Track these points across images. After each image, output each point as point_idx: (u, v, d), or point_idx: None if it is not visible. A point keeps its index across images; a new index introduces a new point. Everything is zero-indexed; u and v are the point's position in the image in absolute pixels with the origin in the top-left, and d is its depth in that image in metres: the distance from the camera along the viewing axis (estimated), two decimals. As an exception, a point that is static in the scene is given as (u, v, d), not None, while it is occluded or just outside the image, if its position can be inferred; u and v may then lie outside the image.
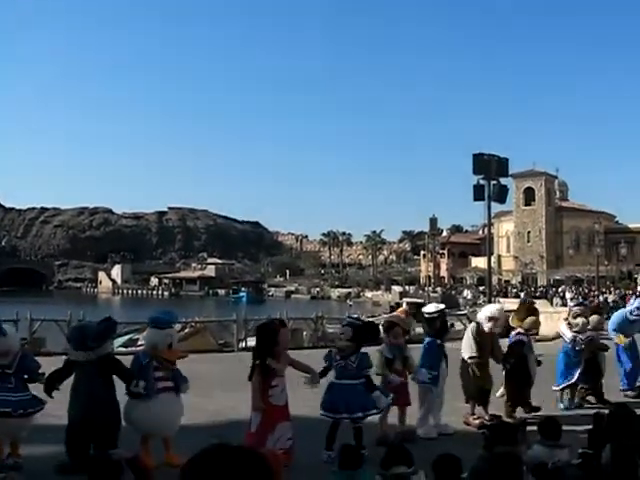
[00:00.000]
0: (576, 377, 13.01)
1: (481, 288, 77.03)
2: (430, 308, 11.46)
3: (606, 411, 7.27)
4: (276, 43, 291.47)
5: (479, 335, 11.37)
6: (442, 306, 11.83)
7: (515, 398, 11.80)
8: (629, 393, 13.82)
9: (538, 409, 11.46)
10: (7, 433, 8.27)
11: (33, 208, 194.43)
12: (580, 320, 13.31)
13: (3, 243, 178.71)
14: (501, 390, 11.89)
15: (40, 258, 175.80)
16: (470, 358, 11.30)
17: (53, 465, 7.96)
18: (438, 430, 10.54)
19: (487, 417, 10.87)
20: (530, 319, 12.29)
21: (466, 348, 11.42)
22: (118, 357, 8.86)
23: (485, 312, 11.94)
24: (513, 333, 12.34)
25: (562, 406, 12.73)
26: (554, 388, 13.01)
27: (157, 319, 8.75)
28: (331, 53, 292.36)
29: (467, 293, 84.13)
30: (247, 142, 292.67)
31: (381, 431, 9.72)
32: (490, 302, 29.31)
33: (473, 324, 11.94)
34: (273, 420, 8.37)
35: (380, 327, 10.47)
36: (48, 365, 8.84)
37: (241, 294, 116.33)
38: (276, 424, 8.36)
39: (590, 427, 6.99)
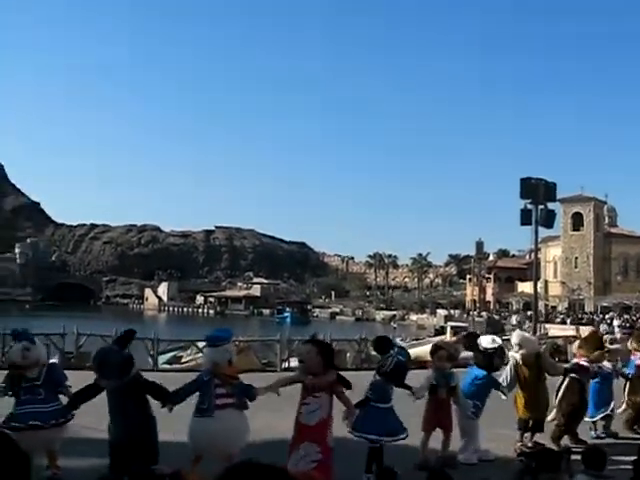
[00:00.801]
0: (611, 407, 12.85)
1: (529, 313, 76.13)
2: (488, 342, 11.34)
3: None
4: (320, 54, 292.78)
5: (518, 367, 11.38)
6: (499, 341, 11.65)
7: (567, 425, 11.69)
8: None
9: (584, 442, 11.27)
10: (41, 445, 8.34)
11: (83, 224, 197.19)
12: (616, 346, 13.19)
13: (53, 258, 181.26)
14: (552, 414, 11.78)
15: (89, 274, 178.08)
16: (502, 387, 11.29)
17: (95, 478, 8.01)
18: (478, 456, 10.47)
19: (529, 444, 10.76)
20: (599, 352, 12.22)
21: (503, 377, 11.43)
22: (163, 373, 8.91)
23: (514, 340, 11.92)
24: (577, 360, 12.27)
25: (594, 434, 12.54)
26: (587, 419, 12.79)
27: (214, 337, 8.74)
28: (381, 73, 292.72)
29: (514, 318, 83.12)
30: (296, 164, 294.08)
31: (422, 455, 9.69)
32: (535, 328, 29.00)
33: (512, 358, 11.79)
34: (300, 438, 8.34)
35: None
36: (89, 378, 8.92)
37: (285, 314, 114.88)
38: (301, 443, 8.30)
39: (635, 458, 6.86)
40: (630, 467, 6.64)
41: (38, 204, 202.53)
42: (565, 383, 11.99)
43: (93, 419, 9.86)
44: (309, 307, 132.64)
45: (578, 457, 6.85)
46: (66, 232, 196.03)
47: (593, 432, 12.61)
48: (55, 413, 8.40)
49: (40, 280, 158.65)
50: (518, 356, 11.47)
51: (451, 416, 10.19)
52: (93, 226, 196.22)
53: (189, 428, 8.34)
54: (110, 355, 8.53)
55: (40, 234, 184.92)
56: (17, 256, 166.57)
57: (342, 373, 9.29)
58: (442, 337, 40.79)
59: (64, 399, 8.71)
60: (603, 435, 12.60)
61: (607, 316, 74.70)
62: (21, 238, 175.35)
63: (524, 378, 11.40)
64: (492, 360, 10.91)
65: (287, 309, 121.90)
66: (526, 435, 11.30)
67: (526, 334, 14.07)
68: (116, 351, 8.44)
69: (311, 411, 8.37)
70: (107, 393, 8.34)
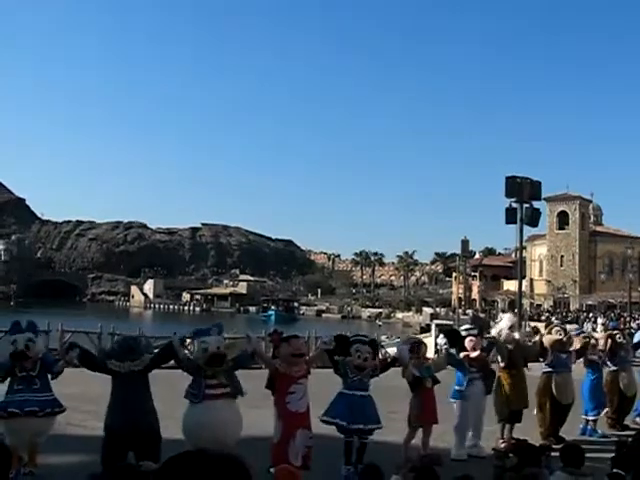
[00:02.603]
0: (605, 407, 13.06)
1: (515, 311, 76.34)
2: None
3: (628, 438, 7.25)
4: (304, 52, 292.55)
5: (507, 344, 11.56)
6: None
7: (552, 420, 11.93)
8: (638, 420, 13.75)
9: (563, 439, 11.39)
10: (31, 434, 8.38)
11: (69, 221, 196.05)
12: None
13: (39, 255, 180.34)
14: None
15: (74, 271, 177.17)
16: (503, 368, 11.50)
17: (86, 475, 8.01)
18: (472, 452, 10.58)
19: (510, 442, 10.87)
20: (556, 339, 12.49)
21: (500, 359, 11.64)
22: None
23: (505, 323, 12.08)
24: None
25: (600, 433, 12.68)
26: (589, 418, 12.92)
27: (199, 329, 8.87)
28: (373, 73, 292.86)
29: (500, 317, 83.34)
30: (280, 160, 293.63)
31: (405, 454, 9.76)
32: (520, 325, 29.16)
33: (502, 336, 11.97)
34: (293, 426, 8.50)
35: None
36: (74, 375, 8.97)
37: (270, 312, 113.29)
38: (296, 431, 8.48)
39: (613, 454, 6.96)
40: (607, 464, 6.76)
41: (23, 200, 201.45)
42: (541, 379, 12.22)
43: (81, 416, 9.90)
44: (295, 304, 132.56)
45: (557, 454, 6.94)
46: (51, 229, 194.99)
47: (599, 431, 12.74)
48: (48, 403, 8.49)
49: (25, 277, 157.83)
50: (516, 335, 11.70)
51: (436, 410, 10.27)
52: (79, 223, 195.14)
53: (182, 418, 8.41)
54: (132, 341, 8.90)
55: (25, 230, 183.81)
56: (2, 253, 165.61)
57: (327, 370, 9.42)
58: (427, 334, 40.97)
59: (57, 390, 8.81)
60: (598, 433, 12.73)
61: (591, 314, 74.98)
62: (6, 234, 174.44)
63: (512, 364, 11.60)
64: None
65: (272, 307, 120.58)
66: (506, 429, 11.45)
67: (510, 314, 14.35)
68: (136, 337, 8.78)
69: (299, 398, 8.60)
70: (118, 382, 8.37)
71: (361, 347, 9.44)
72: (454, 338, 11.53)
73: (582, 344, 13.04)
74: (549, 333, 12.59)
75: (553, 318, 71.44)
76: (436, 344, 28.73)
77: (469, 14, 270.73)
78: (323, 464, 8.79)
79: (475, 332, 11.31)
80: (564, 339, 12.43)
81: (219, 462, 2.26)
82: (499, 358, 11.70)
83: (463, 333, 11.51)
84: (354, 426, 9.05)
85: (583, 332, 14.36)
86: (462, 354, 11.00)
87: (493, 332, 12.49)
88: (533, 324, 24.33)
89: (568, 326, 19.07)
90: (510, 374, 11.60)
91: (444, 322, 59.99)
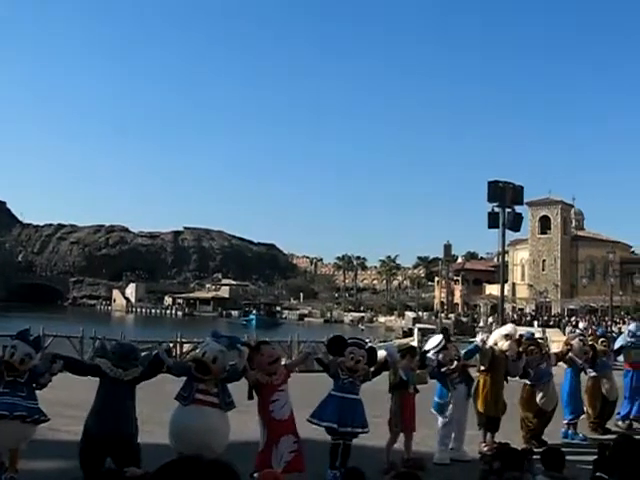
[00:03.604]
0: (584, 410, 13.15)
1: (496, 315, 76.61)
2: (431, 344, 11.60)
3: (610, 441, 7.27)
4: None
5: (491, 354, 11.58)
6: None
7: (536, 426, 12.00)
8: (620, 424, 13.85)
9: (545, 443, 11.44)
10: (15, 439, 8.33)
11: (50, 224, 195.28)
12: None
13: (19, 258, 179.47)
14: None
15: (55, 274, 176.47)
16: (480, 371, 11.54)
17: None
18: (454, 456, 10.61)
19: (493, 446, 10.90)
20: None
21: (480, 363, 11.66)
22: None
23: (501, 331, 12.13)
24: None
25: (582, 436, 12.76)
26: (565, 421, 13.00)
27: (215, 332, 9.08)
28: (358, 77, 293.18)
29: (489, 320, 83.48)
30: (263, 163, 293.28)
31: (388, 458, 9.77)
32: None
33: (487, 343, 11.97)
34: (277, 434, 8.50)
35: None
36: (56, 381, 8.91)
37: (251, 317, 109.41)
38: (280, 438, 8.48)
39: (595, 457, 6.99)
40: (590, 467, 6.78)
41: (4, 203, 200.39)
42: (524, 389, 12.31)
43: (63, 420, 9.83)
44: (278, 309, 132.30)
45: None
46: (32, 232, 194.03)
47: (580, 434, 12.81)
48: (36, 410, 8.45)
49: (6, 280, 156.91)
50: (505, 345, 11.69)
51: (415, 417, 10.29)
52: (60, 226, 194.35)
53: (170, 419, 8.39)
54: (132, 349, 8.90)
55: (6, 234, 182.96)
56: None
57: (310, 375, 9.43)
58: (410, 339, 41.07)
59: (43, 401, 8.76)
60: (579, 436, 12.80)
61: (572, 318, 75.36)
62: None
63: (493, 370, 11.62)
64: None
65: (253, 311, 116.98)
66: (488, 434, 11.48)
67: (513, 325, 14.38)
68: (136, 347, 8.78)
69: (282, 405, 8.60)
70: (105, 386, 8.33)
71: (356, 350, 9.45)
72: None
73: (563, 349, 13.11)
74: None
75: (535, 322, 71.96)
76: (420, 348, 28.74)
77: (457, 17, 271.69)
78: (308, 468, 8.78)
79: (441, 346, 11.20)
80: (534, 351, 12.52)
81: (213, 468, 2.28)
82: (479, 359, 11.72)
83: (431, 352, 11.32)
84: (342, 429, 9.07)
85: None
86: (442, 369, 10.99)
87: (478, 337, 12.53)
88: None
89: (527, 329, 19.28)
90: (489, 378, 11.62)
91: (426, 326, 60.21)
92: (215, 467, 2.30)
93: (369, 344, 11.01)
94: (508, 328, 12.49)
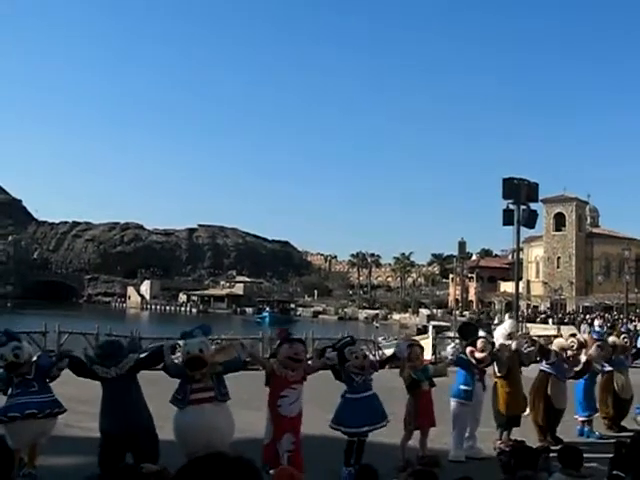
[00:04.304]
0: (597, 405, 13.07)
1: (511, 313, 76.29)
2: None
3: (627, 439, 7.23)
4: (316, 64, 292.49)
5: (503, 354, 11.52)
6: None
7: (545, 421, 11.93)
8: (638, 419, 13.72)
9: (561, 441, 11.38)
10: (33, 436, 8.38)
11: (65, 222, 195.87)
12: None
13: (35, 256, 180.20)
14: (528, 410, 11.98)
15: (71, 272, 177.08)
16: (497, 372, 11.49)
17: (83, 477, 7.98)
18: (469, 454, 10.57)
19: (509, 442, 10.84)
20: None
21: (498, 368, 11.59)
22: (142, 371, 8.90)
23: (501, 331, 12.06)
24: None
25: (598, 434, 12.68)
26: (580, 419, 12.92)
27: (185, 332, 8.84)
28: (367, 74, 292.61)
29: (497, 318, 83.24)
30: (278, 161, 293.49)
31: (403, 455, 9.75)
32: (517, 327, 29.17)
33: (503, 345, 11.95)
34: (281, 430, 8.49)
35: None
36: (69, 376, 8.93)
37: (264, 314, 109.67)
38: (283, 434, 8.46)
39: (611, 455, 6.94)
40: (606, 466, 6.74)
41: (20, 201, 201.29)
42: (538, 377, 12.21)
43: (77, 417, 9.85)
44: (292, 306, 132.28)
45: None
46: (48, 230, 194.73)
47: (596, 433, 12.74)
48: (48, 404, 8.47)
49: (21, 278, 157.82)
50: (513, 345, 11.64)
51: (433, 412, 10.26)
52: (75, 224, 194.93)
53: (173, 423, 8.41)
54: (114, 344, 8.93)
55: (22, 231, 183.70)
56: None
57: (322, 372, 9.41)
58: (424, 336, 40.97)
59: (58, 391, 8.79)
60: (595, 434, 12.73)
61: (587, 316, 75.05)
62: (2, 235, 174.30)
63: (509, 371, 11.56)
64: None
65: (266, 309, 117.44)
66: (505, 432, 11.42)
67: (511, 320, 14.35)
68: (117, 340, 8.76)
69: (290, 403, 8.58)
70: (107, 387, 8.40)
71: (352, 348, 9.48)
72: (469, 332, 11.59)
73: (583, 367, 12.87)
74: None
75: (550, 320, 71.71)
76: (434, 346, 28.64)
77: (465, 13, 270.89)
78: (322, 465, 8.77)
79: (487, 336, 11.43)
80: (573, 348, 12.39)
81: (236, 466, 2.30)
82: (496, 367, 11.63)
83: (501, 338, 11.55)
84: (362, 429, 9.12)
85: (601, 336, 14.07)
86: (468, 349, 11.00)
87: (494, 338, 12.46)
88: (531, 331, 24.34)
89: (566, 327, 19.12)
90: (507, 381, 11.57)
91: (441, 323, 60.13)
92: (238, 464, 2.31)
93: (375, 340, 11.04)
94: (508, 326, 12.38)
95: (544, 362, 12.30)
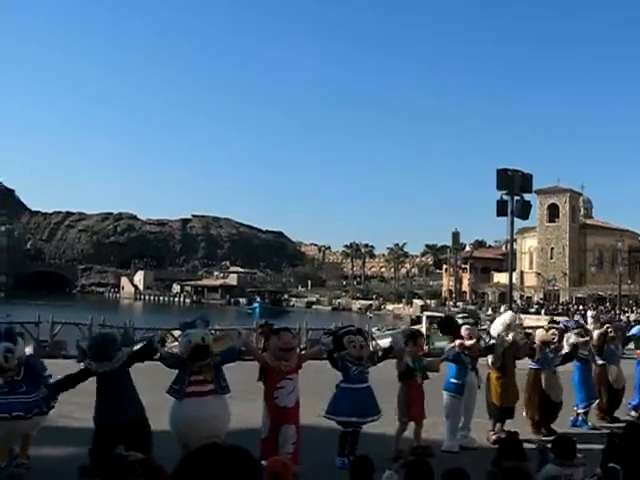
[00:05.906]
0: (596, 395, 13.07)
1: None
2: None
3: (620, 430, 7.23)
4: (316, 55, 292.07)
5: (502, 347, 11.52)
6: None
7: (540, 415, 11.95)
8: (632, 414, 13.73)
9: (554, 432, 11.38)
10: (21, 433, 8.35)
11: (59, 212, 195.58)
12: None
13: (28, 246, 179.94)
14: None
15: (64, 262, 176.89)
16: (491, 364, 11.49)
17: (76, 467, 7.97)
18: (463, 444, 10.57)
19: (503, 433, 10.84)
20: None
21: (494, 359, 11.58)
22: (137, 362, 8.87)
23: (500, 324, 12.02)
24: None
25: (591, 425, 12.70)
26: (580, 410, 12.93)
27: (186, 323, 8.82)
28: (363, 66, 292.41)
29: (489, 309, 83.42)
30: (272, 152, 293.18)
31: (396, 446, 9.74)
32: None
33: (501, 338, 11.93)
34: (279, 421, 8.48)
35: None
36: (61, 367, 8.91)
37: (254, 305, 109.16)
38: (281, 426, 8.46)
39: (604, 446, 6.94)
40: (599, 456, 6.74)
41: (13, 191, 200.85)
42: (530, 374, 12.22)
43: (70, 407, 9.83)
44: (285, 296, 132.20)
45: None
46: (41, 220, 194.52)
47: (590, 423, 12.75)
48: (37, 403, 8.38)
49: (15, 268, 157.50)
50: (510, 337, 11.62)
51: (424, 404, 10.25)
52: (69, 214, 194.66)
53: (169, 414, 8.39)
54: (107, 338, 8.78)
55: (15, 222, 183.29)
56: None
57: (317, 362, 9.40)
58: (418, 326, 40.99)
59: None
60: (588, 425, 12.74)
61: (581, 307, 75.22)
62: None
63: (503, 362, 11.55)
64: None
65: (257, 299, 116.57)
66: (498, 423, 11.42)
67: (510, 312, 14.31)
68: (110, 334, 8.68)
69: (287, 393, 8.57)
70: (100, 380, 8.38)
71: (353, 337, 9.47)
72: (448, 325, 11.61)
73: (570, 349, 12.88)
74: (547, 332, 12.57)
75: (542, 310, 71.80)
76: (428, 336, 28.65)
77: (464, 9, 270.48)
78: (316, 455, 8.77)
79: (471, 321, 11.40)
80: (554, 340, 12.37)
81: (232, 455, 2.32)
82: (490, 358, 11.61)
83: (459, 321, 11.56)
84: (357, 420, 9.15)
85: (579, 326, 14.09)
86: (457, 341, 10.99)
87: (492, 328, 12.42)
88: (524, 322, 24.38)
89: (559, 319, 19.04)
90: (500, 372, 11.56)
91: (434, 314, 60.08)
92: (233, 454, 2.32)
93: (369, 331, 11.07)
94: (508, 318, 12.33)
95: (530, 360, 12.31)
